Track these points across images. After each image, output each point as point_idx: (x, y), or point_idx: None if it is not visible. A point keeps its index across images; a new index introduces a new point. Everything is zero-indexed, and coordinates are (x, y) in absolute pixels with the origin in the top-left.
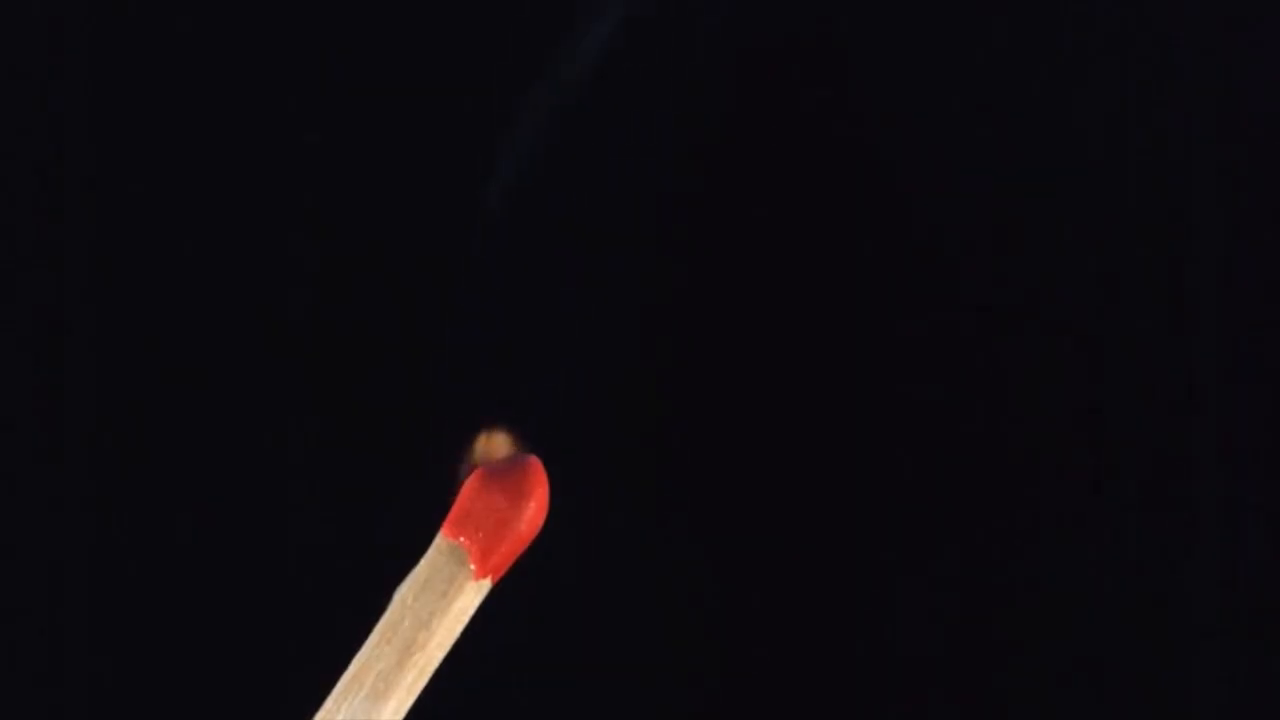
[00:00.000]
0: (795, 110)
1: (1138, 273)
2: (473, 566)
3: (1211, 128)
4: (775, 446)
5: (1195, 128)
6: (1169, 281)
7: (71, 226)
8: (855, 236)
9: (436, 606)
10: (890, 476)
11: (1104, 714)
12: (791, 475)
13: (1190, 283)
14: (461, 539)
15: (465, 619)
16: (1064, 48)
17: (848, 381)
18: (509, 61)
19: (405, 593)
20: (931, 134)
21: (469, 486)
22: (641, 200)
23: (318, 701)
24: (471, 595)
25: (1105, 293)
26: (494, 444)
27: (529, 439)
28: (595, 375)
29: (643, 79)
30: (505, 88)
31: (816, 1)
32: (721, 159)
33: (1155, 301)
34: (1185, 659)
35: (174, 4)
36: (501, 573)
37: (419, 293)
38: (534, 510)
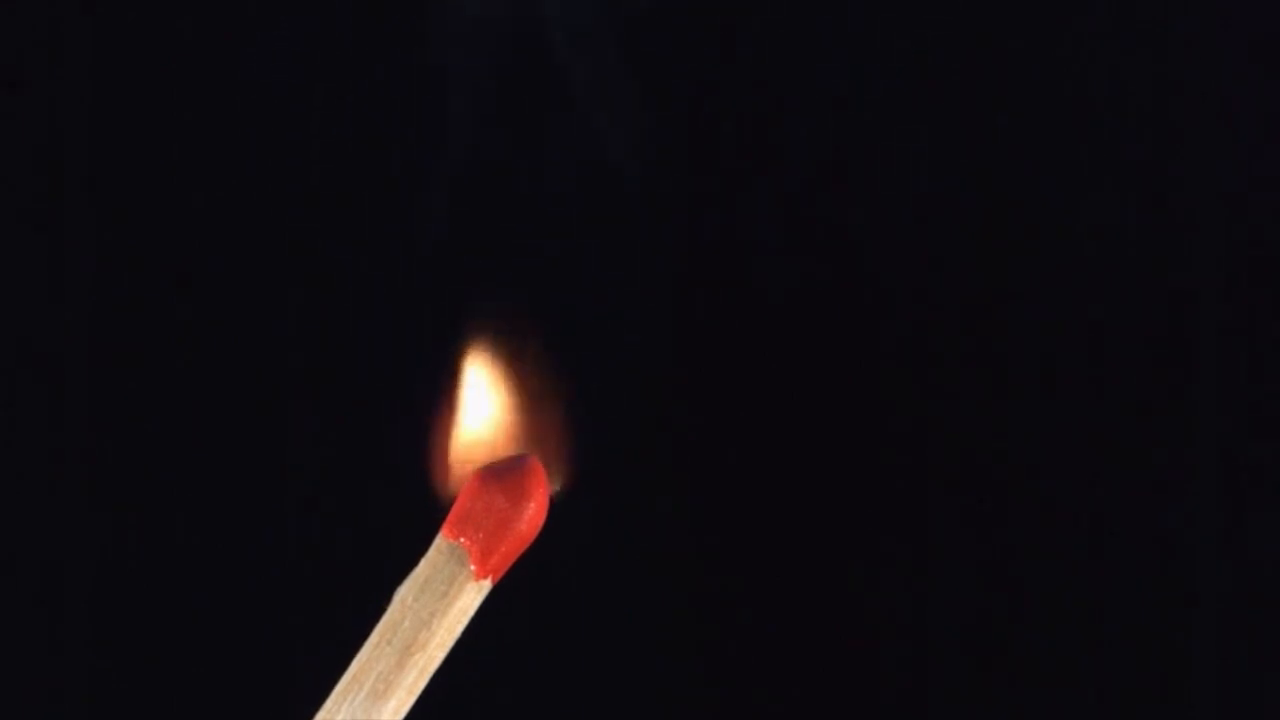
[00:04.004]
0: (797, 110)
1: (1137, 273)
2: (473, 567)
3: (1212, 128)
4: (777, 445)
5: (1195, 123)
6: (1168, 282)
7: (71, 226)
8: (852, 236)
9: (436, 606)
10: (890, 478)
11: (1104, 714)
12: (794, 475)
13: (1190, 283)
14: (461, 539)
15: (465, 619)
16: (1063, 47)
17: (848, 382)
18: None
19: (405, 593)
20: (930, 134)
21: (469, 486)
22: (636, 204)
23: (318, 701)
24: (471, 595)
25: (1105, 292)
26: (495, 445)
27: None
28: (595, 375)
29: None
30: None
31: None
32: (719, 157)
33: (1155, 302)
34: (1185, 659)
35: (174, 4)
36: (501, 573)
37: (420, 293)
38: (534, 510)
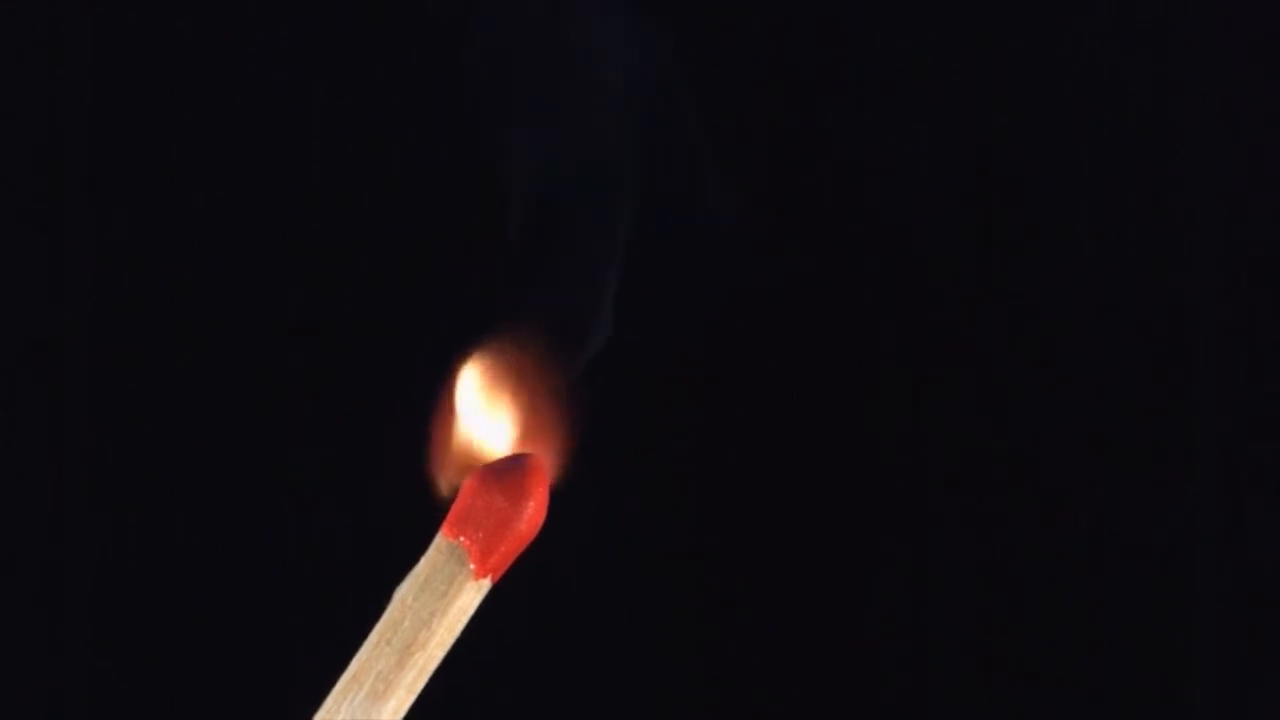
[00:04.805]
0: (796, 111)
1: (1137, 273)
2: (473, 566)
3: (1212, 128)
4: (777, 445)
5: (1195, 123)
6: (1168, 282)
7: (71, 226)
8: (852, 235)
9: (436, 606)
10: (890, 478)
11: (1104, 714)
12: (794, 475)
13: (1190, 283)
14: (461, 539)
15: (465, 619)
16: (1063, 47)
17: (848, 381)
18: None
19: (405, 593)
20: (930, 134)
21: (469, 486)
22: (635, 204)
23: (318, 701)
24: (471, 595)
25: (1105, 292)
26: (495, 444)
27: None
28: (595, 375)
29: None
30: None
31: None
32: (717, 158)
33: (1155, 302)
34: (1185, 659)
35: (174, 4)
36: (501, 572)
37: (421, 294)
38: (534, 510)
